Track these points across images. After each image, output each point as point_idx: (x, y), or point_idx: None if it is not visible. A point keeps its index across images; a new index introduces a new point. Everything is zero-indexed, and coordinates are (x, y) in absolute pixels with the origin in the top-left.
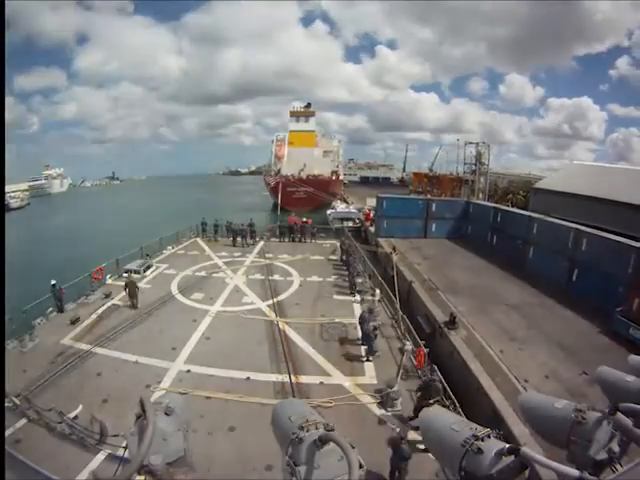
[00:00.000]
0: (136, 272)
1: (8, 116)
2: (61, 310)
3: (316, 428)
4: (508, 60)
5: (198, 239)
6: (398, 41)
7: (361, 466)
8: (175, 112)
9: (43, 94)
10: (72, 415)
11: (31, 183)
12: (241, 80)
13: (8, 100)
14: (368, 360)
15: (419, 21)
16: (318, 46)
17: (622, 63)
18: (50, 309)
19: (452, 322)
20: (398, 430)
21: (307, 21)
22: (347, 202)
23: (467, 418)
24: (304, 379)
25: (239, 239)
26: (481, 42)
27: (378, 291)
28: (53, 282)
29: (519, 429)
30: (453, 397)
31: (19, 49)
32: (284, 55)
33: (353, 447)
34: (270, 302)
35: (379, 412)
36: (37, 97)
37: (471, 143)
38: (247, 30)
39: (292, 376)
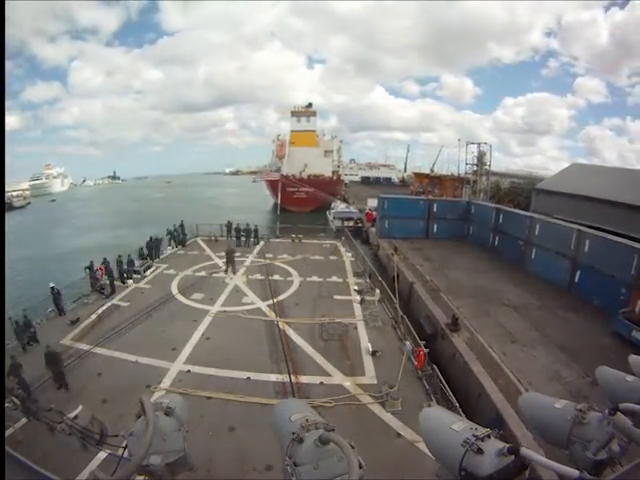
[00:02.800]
0: (136, 272)
1: (16, 122)
2: (60, 312)
3: (316, 428)
4: (442, 62)
5: (198, 239)
6: (341, 54)
7: (361, 466)
8: (161, 119)
9: (49, 104)
10: (72, 415)
11: (32, 182)
12: (217, 90)
13: (16, 109)
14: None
15: (349, 36)
16: (281, 59)
17: (553, 61)
18: (50, 309)
19: (454, 324)
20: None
21: (265, 39)
22: (347, 202)
23: (468, 419)
24: (304, 379)
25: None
26: (411, 50)
27: (378, 291)
28: (52, 285)
29: (522, 432)
30: (453, 397)
31: (26, 69)
32: (251, 68)
33: (353, 447)
34: (270, 302)
35: (379, 412)
36: (42, 106)
37: (473, 143)
38: (215, 49)
39: (292, 376)
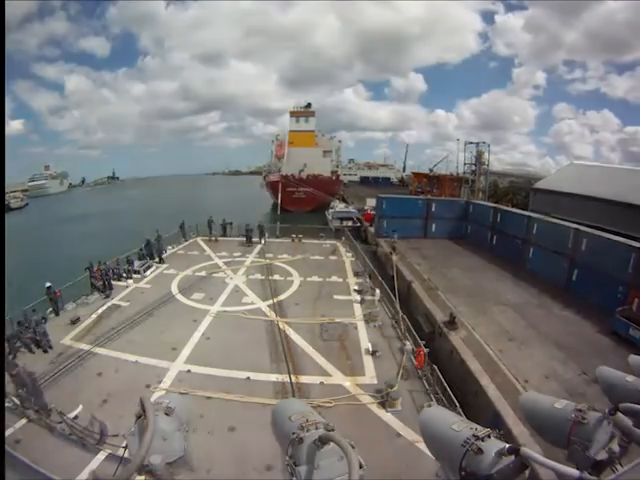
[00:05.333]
0: (136, 272)
1: (20, 127)
2: (57, 313)
3: (316, 428)
4: (388, 68)
5: (198, 239)
6: (296, 66)
7: (361, 466)
8: (152, 124)
9: (50, 111)
10: (72, 415)
11: (31, 183)
12: (199, 98)
13: (21, 116)
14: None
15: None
16: (248, 71)
17: (496, 59)
18: (50, 309)
19: (452, 322)
20: None
21: (230, 55)
22: (346, 202)
23: (467, 418)
24: (304, 379)
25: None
26: (354, 59)
27: (378, 291)
28: (48, 284)
29: (519, 429)
30: (453, 397)
31: (31, 84)
32: (224, 79)
33: (353, 447)
34: (270, 302)
35: (379, 412)
36: (42, 112)
37: (471, 143)
38: (191, 66)
39: (292, 376)
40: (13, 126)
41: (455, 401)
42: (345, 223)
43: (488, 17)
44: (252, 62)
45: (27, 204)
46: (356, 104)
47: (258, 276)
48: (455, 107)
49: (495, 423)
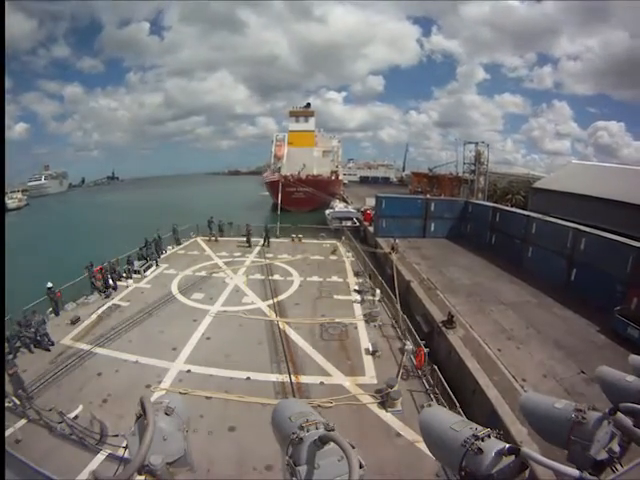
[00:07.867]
0: (136, 272)
1: (23, 131)
2: (57, 313)
3: (316, 428)
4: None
5: (198, 239)
6: (260, 77)
7: (361, 466)
8: (142, 129)
9: (52, 117)
10: (72, 415)
11: (31, 183)
12: (186, 105)
13: (25, 121)
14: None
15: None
16: (221, 81)
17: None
18: (50, 309)
19: (450, 321)
20: None
21: (205, 68)
22: (346, 202)
23: (465, 416)
24: (304, 379)
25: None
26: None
27: (378, 291)
28: (49, 285)
29: (516, 428)
30: (453, 396)
31: (36, 95)
32: (204, 88)
33: (353, 447)
34: (270, 302)
35: (379, 412)
36: (42, 117)
37: (470, 143)
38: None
39: (292, 376)
40: (17, 130)
41: (455, 401)
42: (344, 223)
43: (421, 24)
44: (222, 74)
45: (27, 204)
46: (326, 107)
47: (258, 276)
48: (421, 107)
49: (492, 421)
